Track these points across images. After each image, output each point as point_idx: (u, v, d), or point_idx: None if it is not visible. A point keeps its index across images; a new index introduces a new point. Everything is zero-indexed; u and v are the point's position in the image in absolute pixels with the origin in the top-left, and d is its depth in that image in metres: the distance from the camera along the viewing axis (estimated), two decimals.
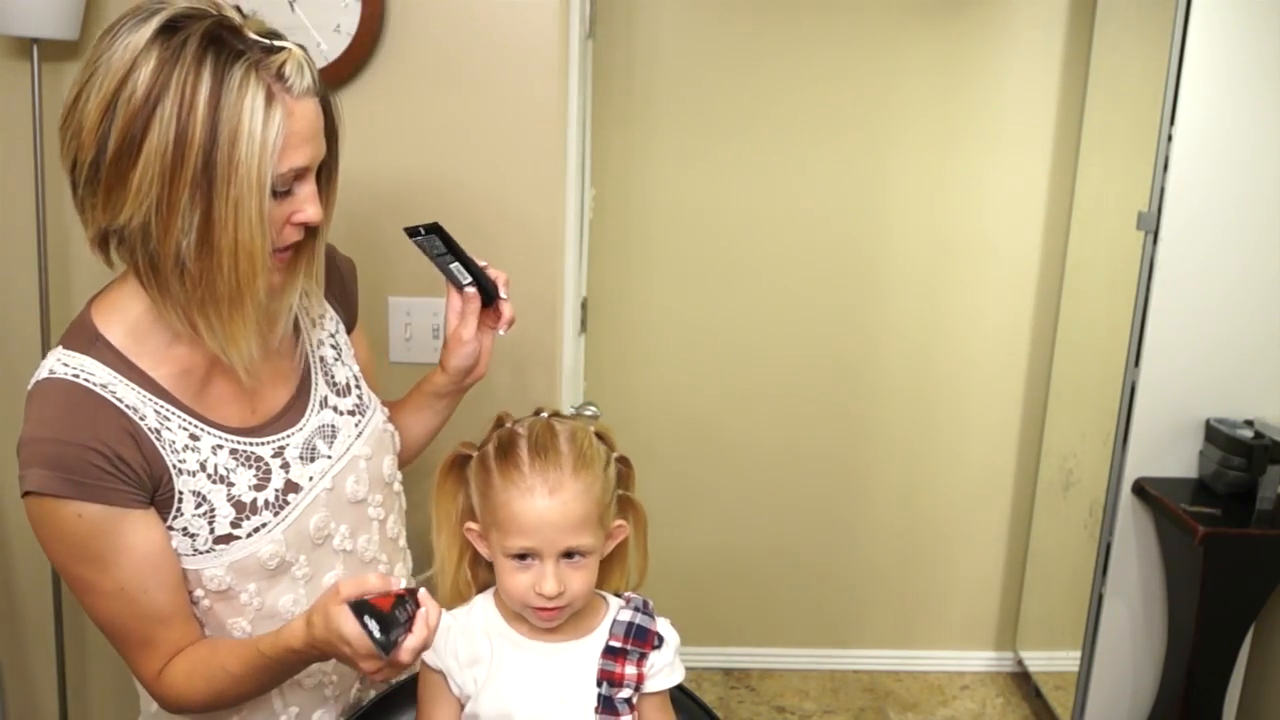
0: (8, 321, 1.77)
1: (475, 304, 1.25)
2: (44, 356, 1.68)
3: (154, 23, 0.94)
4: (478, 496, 1.11)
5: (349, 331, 1.28)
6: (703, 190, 2.73)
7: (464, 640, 1.11)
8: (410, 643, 0.96)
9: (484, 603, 1.15)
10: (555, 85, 1.68)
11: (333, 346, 1.23)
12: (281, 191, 0.99)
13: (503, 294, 1.27)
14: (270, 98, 0.95)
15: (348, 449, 1.18)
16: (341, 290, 1.28)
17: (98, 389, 1.01)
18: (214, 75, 0.93)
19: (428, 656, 1.11)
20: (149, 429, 1.02)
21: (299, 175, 1.01)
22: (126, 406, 1.02)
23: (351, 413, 1.20)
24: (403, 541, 1.31)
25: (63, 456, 0.98)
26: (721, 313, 2.81)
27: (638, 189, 2.72)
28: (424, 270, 1.71)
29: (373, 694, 1.25)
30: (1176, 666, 2.33)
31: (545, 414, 1.14)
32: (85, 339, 1.04)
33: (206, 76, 0.93)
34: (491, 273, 1.26)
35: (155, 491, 1.03)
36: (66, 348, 1.04)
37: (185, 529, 1.05)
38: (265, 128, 0.94)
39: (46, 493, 0.98)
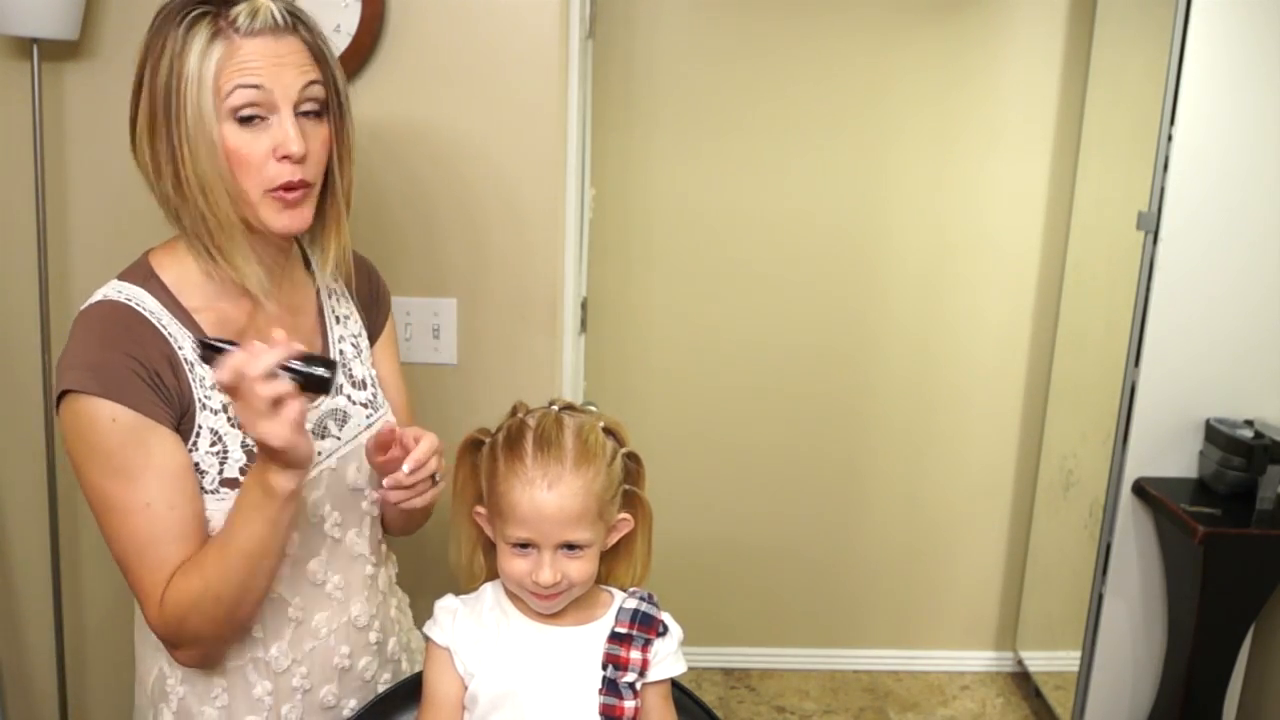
0: (7, 321, 1.77)
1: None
2: (43, 357, 1.71)
3: None
4: (485, 482, 1.13)
5: (371, 343, 1.31)
6: (703, 189, 2.73)
7: (471, 621, 1.14)
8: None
9: (493, 587, 1.17)
10: (555, 85, 1.68)
11: (354, 345, 1.27)
12: (245, 118, 1.04)
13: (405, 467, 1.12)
14: (214, 36, 1.03)
15: (356, 436, 1.21)
16: (373, 303, 1.32)
17: (147, 314, 1.07)
18: (178, 30, 1.03)
19: (434, 632, 1.14)
20: (185, 359, 1.08)
21: (268, 106, 1.05)
22: (169, 334, 1.07)
23: (365, 405, 1.24)
24: (386, 547, 1.33)
25: (104, 362, 1.02)
26: (721, 312, 2.81)
27: (638, 189, 2.72)
28: (424, 270, 1.73)
29: (351, 704, 1.25)
30: (1176, 666, 2.33)
31: (557, 406, 1.16)
32: (141, 275, 1.11)
33: (175, 33, 1.03)
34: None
35: (181, 418, 1.07)
36: (122, 280, 1.10)
37: (197, 465, 1.08)
38: (203, 63, 1.02)
39: (84, 390, 1.01)
